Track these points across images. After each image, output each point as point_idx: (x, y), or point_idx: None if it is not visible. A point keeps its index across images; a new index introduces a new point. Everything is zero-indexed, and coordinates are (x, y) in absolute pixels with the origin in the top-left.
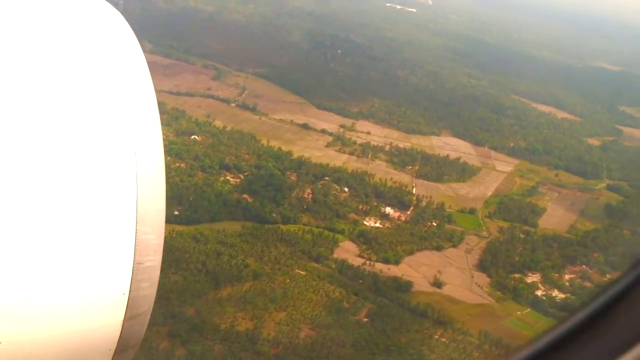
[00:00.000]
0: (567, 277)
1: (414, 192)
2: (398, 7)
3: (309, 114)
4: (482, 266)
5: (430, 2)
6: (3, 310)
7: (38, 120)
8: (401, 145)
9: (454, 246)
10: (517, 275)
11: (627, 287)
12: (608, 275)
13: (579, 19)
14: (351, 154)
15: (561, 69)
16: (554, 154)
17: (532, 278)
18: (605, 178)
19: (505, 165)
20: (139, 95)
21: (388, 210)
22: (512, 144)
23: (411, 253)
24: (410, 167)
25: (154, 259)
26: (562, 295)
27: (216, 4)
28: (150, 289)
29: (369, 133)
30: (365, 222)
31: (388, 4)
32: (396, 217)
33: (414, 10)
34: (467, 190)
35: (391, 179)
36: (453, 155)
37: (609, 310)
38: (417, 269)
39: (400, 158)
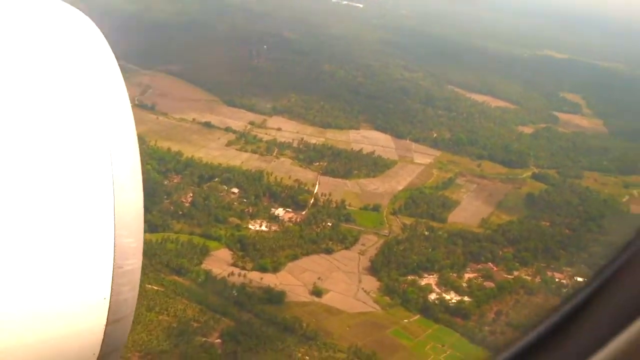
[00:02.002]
0: (467, 276)
1: (315, 190)
2: (344, 2)
3: (217, 112)
4: (373, 269)
5: None
6: None
7: (11, 122)
8: (313, 140)
9: (347, 248)
10: (410, 278)
11: (596, 290)
12: (515, 272)
13: (536, 10)
14: (254, 152)
15: (504, 58)
16: (478, 144)
17: (428, 280)
18: (532, 166)
19: (425, 157)
20: (112, 96)
21: (279, 211)
22: (435, 135)
23: (295, 258)
24: (317, 163)
25: (134, 262)
26: (457, 298)
27: (141, 3)
28: (131, 293)
29: (279, 129)
30: (250, 226)
31: (334, 0)
32: (287, 219)
33: (361, 5)
34: (376, 186)
35: (290, 177)
36: (369, 149)
37: (577, 314)
38: (298, 277)
39: (307, 154)
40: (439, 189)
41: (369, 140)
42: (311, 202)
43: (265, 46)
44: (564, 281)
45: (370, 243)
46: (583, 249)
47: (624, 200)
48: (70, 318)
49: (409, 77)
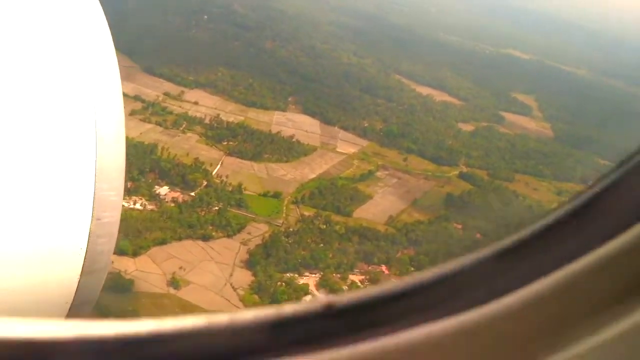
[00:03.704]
0: (353, 278)
1: (214, 171)
2: None
3: (131, 79)
4: (252, 262)
5: None
6: None
7: None
8: (231, 118)
9: (229, 236)
10: (289, 275)
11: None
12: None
13: (518, 10)
14: (158, 124)
15: (463, 53)
16: (410, 137)
17: (308, 279)
18: (462, 165)
19: (349, 146)
20: (98, 50)
21: (162, 190)
22: (366, 125)
23: (163, 243)
24: (226, 142)
25: (113, 215)
26: None
27: None
28: (107, 245)
29: (196, 103)
30: (123, 203)
31: None
32: (170, 199)
33: None
34: (285, 172)
35: (188, 154)
36: (290, 132)
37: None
38: (159, 264)
39: (218, 132)
40: (354, 181)
41: (294, 123)
42: (204, 183)
43: (205, 16)
44: None
45: (258, 233)
46: None
47: (552, 207)
48: (45, 265)
49: (355, 63)
